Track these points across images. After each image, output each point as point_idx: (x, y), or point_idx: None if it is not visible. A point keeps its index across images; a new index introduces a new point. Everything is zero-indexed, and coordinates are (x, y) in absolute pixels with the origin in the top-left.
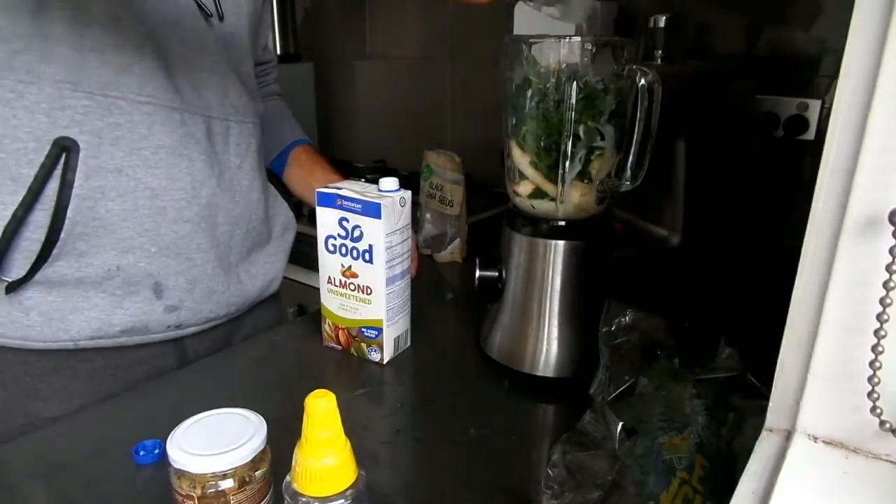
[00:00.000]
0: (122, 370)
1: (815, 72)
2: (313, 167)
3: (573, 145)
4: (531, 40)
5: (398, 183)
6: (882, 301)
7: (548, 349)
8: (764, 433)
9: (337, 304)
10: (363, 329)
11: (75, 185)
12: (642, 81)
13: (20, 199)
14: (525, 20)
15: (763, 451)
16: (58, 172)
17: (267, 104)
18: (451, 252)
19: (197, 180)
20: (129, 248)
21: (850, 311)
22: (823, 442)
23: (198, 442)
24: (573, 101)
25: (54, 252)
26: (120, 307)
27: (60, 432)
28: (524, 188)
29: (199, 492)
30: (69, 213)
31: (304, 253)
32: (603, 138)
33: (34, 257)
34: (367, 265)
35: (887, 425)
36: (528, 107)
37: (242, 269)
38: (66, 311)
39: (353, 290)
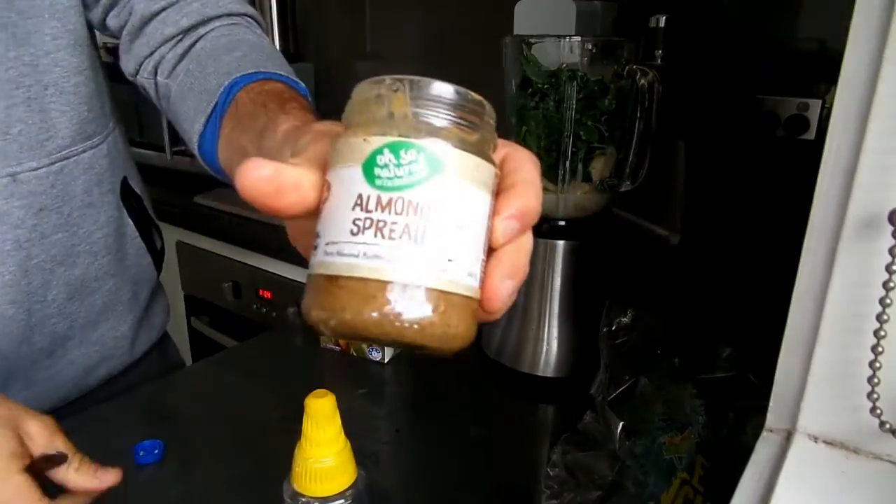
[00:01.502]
0: None
1: (816, 72)
2: (273, 113)
3: (573, 145)
4: (531, 40)
5: None
6: (882, 301)
7: (548, 349)
8: (764, 433)
9: None
10: None
11: None
12: (642, 81)
13: None
14: (525, 20)
15: (763, 451)
16: None
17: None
18: None
19: None
20: None
21: (850, 311)
22: (823, 442)
23: None
24: (573, 101)
25: None
26: None
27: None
28: None
29: None
30: None
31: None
32: (603, 138)
33: None
34: None
35: (887, 425)
36: (527, 107)
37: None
38: None
39: None
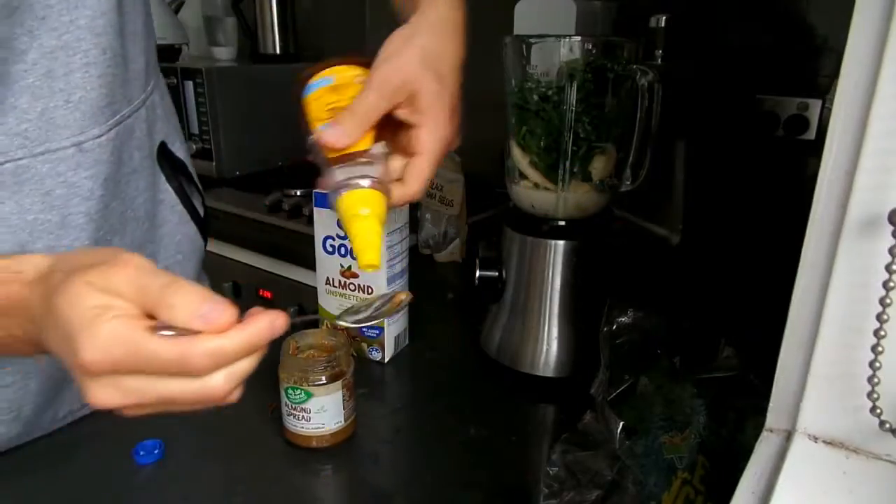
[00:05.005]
0: None
1: (816, 72)
2: None
3: (573, 145)
4: (531, 40)
5: None
6: (882, 301)
7: (548, 349)
8: (764, 433)
9: (336, 305)
10: (364, 329)
11: None
12: (642, 81)
13: None
14: (525, 20)
15: (763, 451)
16: None
17: None
18: (451, 252)
19: None
20: None
21: (850, 311)
22: (823, 442)
23: None
24: (573, 101)
25: None
26: None
27: (61, 432)
28: (524, 188)
29: None
30: None
31: (302, 252)
32: (603, 138)
33: None
34: None
35: (887, 425)
36: (527, 107)
37: None
38: None
39: (353, 291)
